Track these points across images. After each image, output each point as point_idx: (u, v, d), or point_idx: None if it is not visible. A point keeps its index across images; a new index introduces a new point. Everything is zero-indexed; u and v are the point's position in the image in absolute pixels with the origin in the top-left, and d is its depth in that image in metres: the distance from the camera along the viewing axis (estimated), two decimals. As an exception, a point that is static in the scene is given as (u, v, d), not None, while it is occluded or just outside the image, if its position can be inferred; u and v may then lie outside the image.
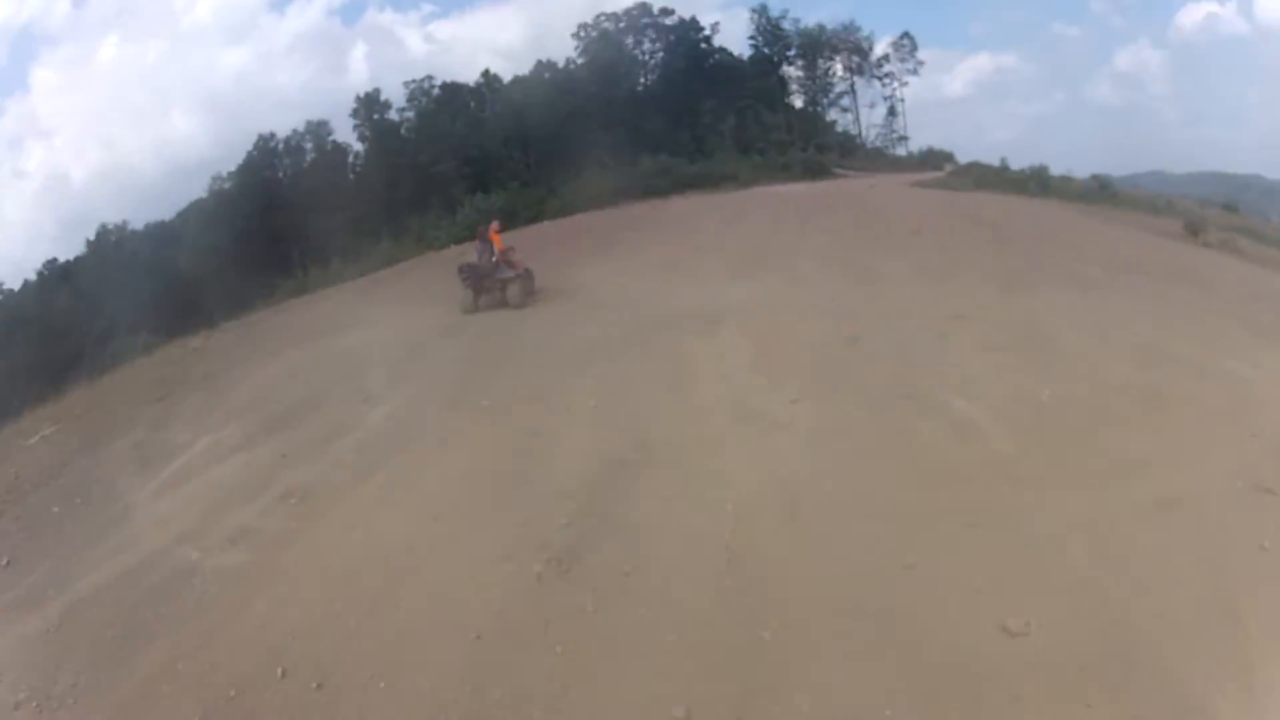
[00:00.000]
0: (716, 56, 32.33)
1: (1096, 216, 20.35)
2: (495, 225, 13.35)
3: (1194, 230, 16.50)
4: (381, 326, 12.47)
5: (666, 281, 12.60)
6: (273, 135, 37.71)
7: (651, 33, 32.99)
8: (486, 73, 34.77)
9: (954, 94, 31.88)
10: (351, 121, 36.86)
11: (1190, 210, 21.59)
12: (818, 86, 31.93)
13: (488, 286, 12.39)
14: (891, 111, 31.99)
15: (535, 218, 27.06)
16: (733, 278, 12.36)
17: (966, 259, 12.96)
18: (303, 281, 29.26)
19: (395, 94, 35.90)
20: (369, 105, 36.71)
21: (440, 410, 7.80)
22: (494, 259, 12.52)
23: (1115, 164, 24.20)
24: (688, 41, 32.55)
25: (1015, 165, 25.92)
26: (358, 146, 37.33)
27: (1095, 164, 23.94)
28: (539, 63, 34.82)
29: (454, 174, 32.05)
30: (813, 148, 28.65)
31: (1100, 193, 23.76)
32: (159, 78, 35.04)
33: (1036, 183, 24.45)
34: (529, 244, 16.34)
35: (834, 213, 19.11)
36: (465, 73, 35.57)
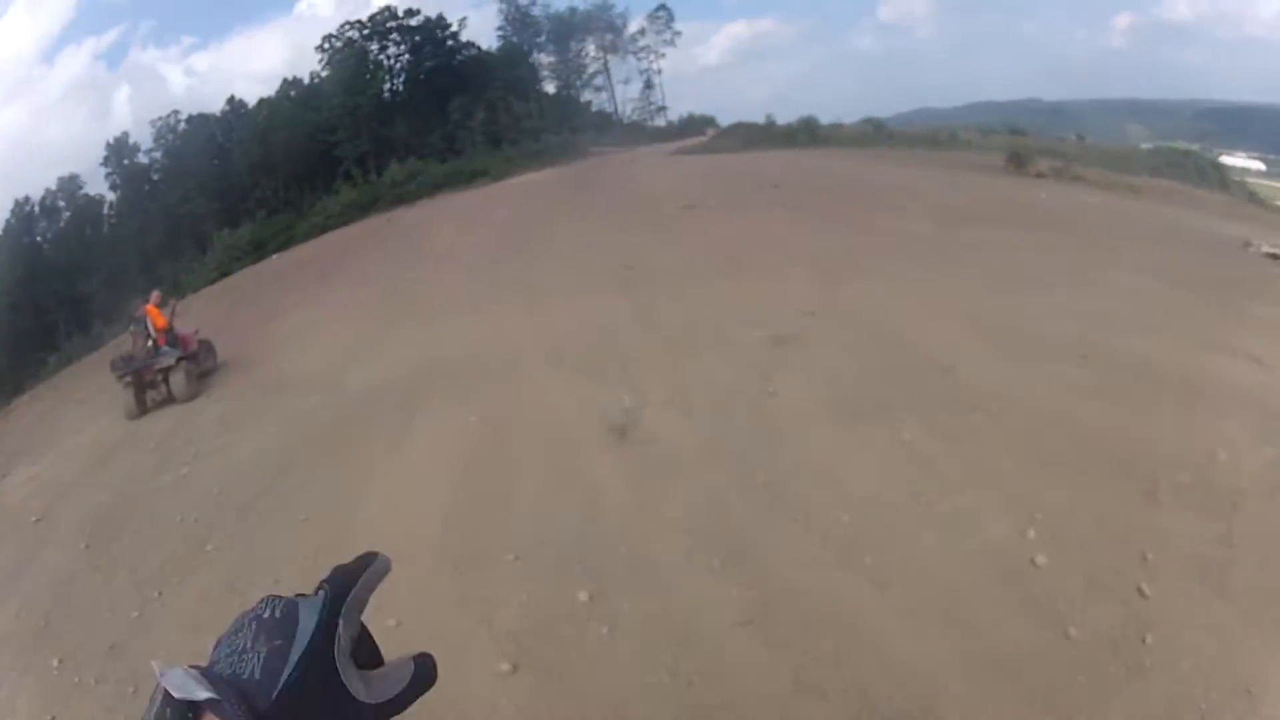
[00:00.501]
0: (464, 52, 31.72)
1: (887, 159, 20.18)
2: (155, 297, 11.23)
3: (1019, 161, 14.22)
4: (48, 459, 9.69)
5: (376, 327, 10.69)
6: (27, 199, 34.23)
7: (397, 36, 32.01)
8: (231, 99, 32.82)
9: (712, 63, 32.24)
10: (103, 170, 34.02)
11: (976, 140, 21.87)
12: (570, 69, 31.90)
13: (149, 380, 10.39)
14: (648, 84, 32.45)
15: (284, 245, 25.76)
16: (458, 309, 10.29)
17: (761, 234, 10.78)
18: (66, 353, 26.97)
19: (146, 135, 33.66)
20: (119, 151, 33.88)
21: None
22: (151, 341, 10.41)
23: (880, 107, 23.98)
24: (434, 40, 31.83)
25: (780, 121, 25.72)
26: (111, 196, 34.75)
27: (861, 110, 23.80)
28: (284, 81, 33.31)
29: (204, 211, 30.04)
30: (566, 130, 28.58)
31: (876, 134, 24.04)
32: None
33: (806, 133, 24.63)
34: (240, 293, 15.08)
35: (589, 195, 18.39)
36: (217, 103, 33.63)
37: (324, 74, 31.18)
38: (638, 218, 14.04)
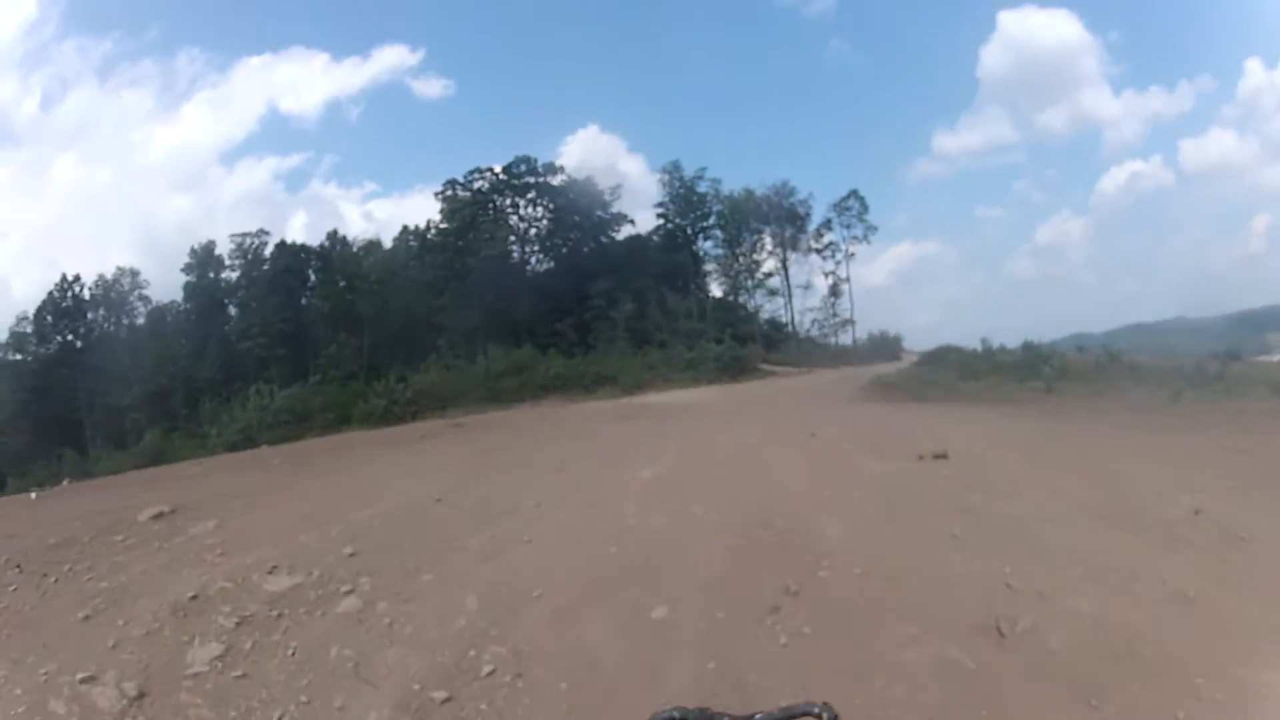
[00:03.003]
0: (615, 228, 26.08)
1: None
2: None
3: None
4: None
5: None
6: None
7: (534, 194, 26.80)
8: (334, 233, 27.87)
9: (878, 283, 26.70)
10: (183, 278, 29.27)
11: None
12: (740, 266, 25.52)
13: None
14: (834, 291, 25.56)
15: (333, 425, 18.76)
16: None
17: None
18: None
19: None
20: (203, 260, 29.07)
21: None
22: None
23: (1036, 331, 22.38)
24: (580, 207, 26.39)
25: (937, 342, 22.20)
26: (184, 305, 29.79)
27: (1019, 333, 21.50)
28: (404, 229, 28.50)
29: (265, 352, 24.20)
30: (729, 337, 21.42)
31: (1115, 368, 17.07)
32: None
33: (1053, 367, 17.38)
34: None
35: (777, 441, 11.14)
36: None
37: (441, 225, 25.98)
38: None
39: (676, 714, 1.16)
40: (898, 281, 27.92)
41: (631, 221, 26.26)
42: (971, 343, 21.63)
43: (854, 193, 26.98)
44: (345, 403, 19.40)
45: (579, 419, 13.36)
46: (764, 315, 25.59)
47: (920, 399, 16.08)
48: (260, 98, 36.52)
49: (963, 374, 18.89)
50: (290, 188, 36.46)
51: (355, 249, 27.53)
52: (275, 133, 36.62)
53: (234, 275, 28.13)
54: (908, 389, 17.68)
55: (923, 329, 28.01)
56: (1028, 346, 19.63)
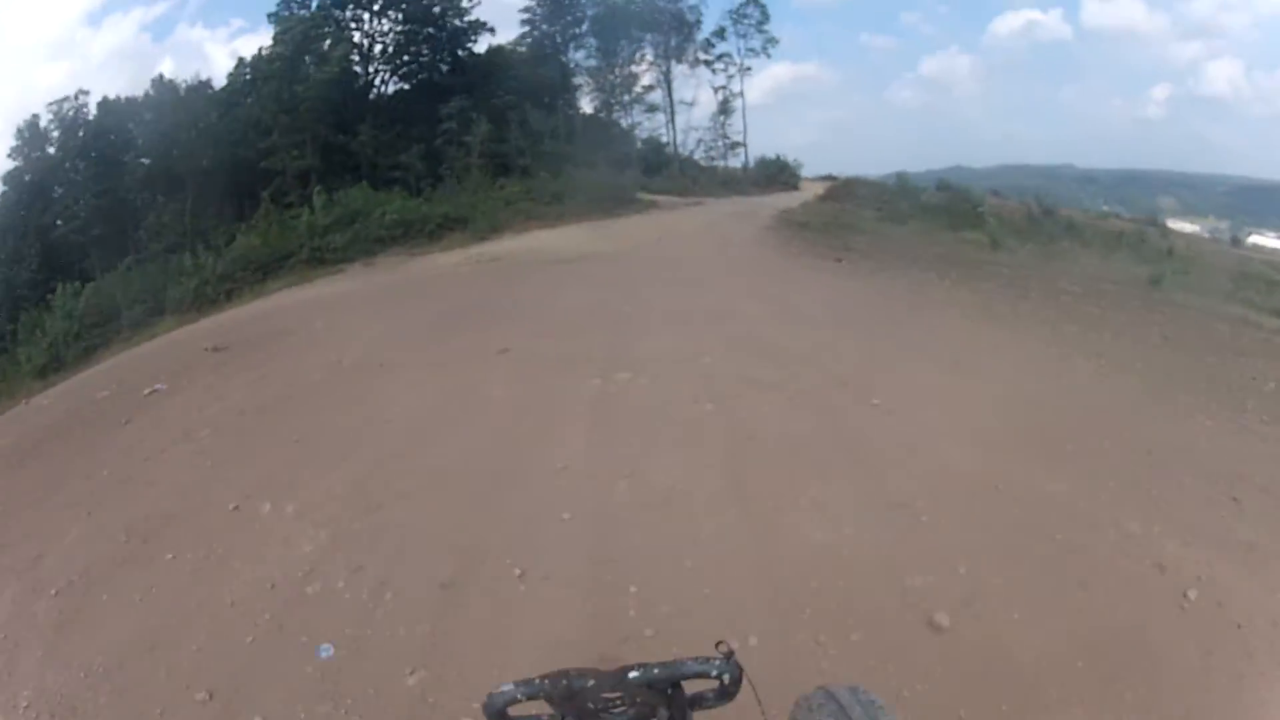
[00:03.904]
0: (474, 37, 21.95)
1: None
2: None
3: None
4: None
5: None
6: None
7: (380, 2, 22.34)
8: (160, 78, 23.45)
9: (752, 102, 23.75)
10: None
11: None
12: (618, 81, 21.70)
13: None
14: (724, 109, 21.95)
15: (150, 317, 16.13)
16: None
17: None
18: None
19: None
20: (31, 138, 24.70)
21: None
22: None
23: (914, 162, 22.30)
24: (433, 16, 22.08)
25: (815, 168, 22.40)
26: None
27: (895, 163, 21.13)
28: (239, 61, 23.84)
29: (81, 236, 20.98)
30: (604, 163, 18.44)
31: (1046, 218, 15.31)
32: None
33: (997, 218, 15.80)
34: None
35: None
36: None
37: (275, 51, 21.68)
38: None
39: (520, 693, 1.01)
40: (774, 101, 24.67)
41: (492, 30, 22.01)
42: (852, 169, 21.42)
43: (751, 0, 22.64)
44: (160, 287, 16.66)
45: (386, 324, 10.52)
46: (641, 134, 22.14)
47: (844, 247, 13.75)
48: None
49: (882, 215, 16.95)
50: (157, 36, 30.92)
51: (182, 93, 23.32)
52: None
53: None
54: (826, 233, 15.36)
55: (797, 150, 25.72)
56: (943, 185, 18.27)
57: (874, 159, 28.77)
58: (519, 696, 1.00)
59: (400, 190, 17.95)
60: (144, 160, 20.79)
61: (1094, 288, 10.65)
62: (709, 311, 8.90)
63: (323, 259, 15.62)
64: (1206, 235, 19.94)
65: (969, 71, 26.06)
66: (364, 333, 9.52)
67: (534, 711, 1.06)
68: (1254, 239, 18.65)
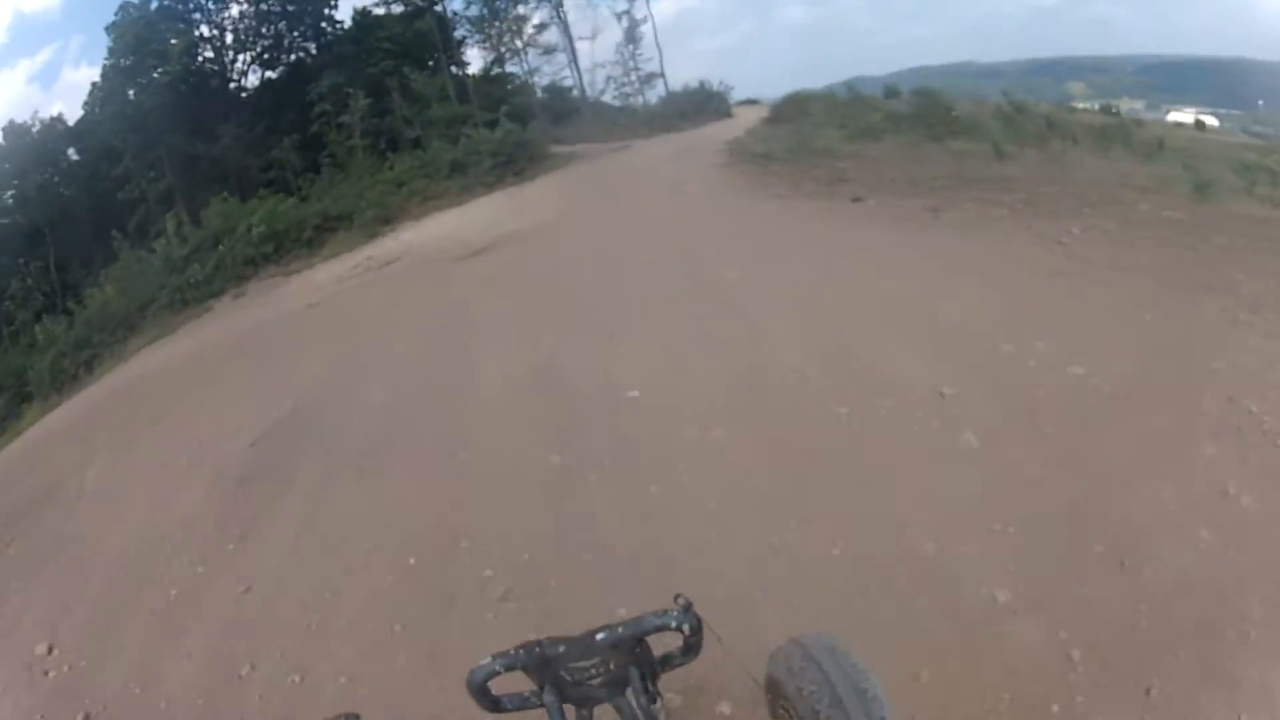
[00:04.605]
0: (333, 3, 18.99)
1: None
2: None
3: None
4: None
5: None
6: None
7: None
8: (10, 124, 20.45)
9: (663, 24, 21.85)
10: None
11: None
12: (504, 26, 18.74)
13: None
14: (631, 36, 19.03)
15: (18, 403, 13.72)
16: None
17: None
18: None
19: None
20: None
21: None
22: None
23: (814, 79, 20.56)
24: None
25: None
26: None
27: (795, 83, 19.06)
28: (92, 87, 20.77)
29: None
30: (504, 117, 15.69)
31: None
32: None
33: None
34: None
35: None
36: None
37: (112, 63, 18.72)
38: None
39: (499, 665, 1.08)
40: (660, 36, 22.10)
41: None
42: (754, 92, 19.90)
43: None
44: (23, 367, 14.15)
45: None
46: (541, 81, 19.28)
47: (838, 179, 10.29)
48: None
49: (849, 132, 13.65)
50: (45, 85, 28.07)
51: (35, 135, 20.48)
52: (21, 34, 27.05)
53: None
54: (798, 164, 11.79)
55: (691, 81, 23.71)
56: (922, 93, 15.48)
57: (772, 81, 26.53)
58: (498, 669, 1.07)
59: (273, 193, 15.30)
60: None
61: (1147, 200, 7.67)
62: (738, 336, 5.13)
63: (185, 299, 13.08)
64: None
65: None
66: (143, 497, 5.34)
67: (517, 689, 1.13)
68: (1172, 115, 18.23)
